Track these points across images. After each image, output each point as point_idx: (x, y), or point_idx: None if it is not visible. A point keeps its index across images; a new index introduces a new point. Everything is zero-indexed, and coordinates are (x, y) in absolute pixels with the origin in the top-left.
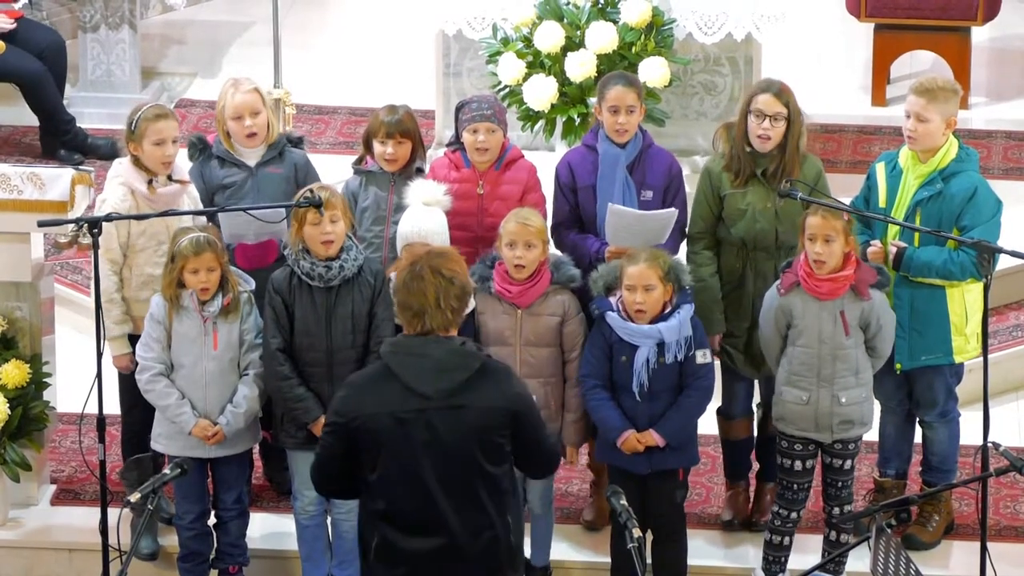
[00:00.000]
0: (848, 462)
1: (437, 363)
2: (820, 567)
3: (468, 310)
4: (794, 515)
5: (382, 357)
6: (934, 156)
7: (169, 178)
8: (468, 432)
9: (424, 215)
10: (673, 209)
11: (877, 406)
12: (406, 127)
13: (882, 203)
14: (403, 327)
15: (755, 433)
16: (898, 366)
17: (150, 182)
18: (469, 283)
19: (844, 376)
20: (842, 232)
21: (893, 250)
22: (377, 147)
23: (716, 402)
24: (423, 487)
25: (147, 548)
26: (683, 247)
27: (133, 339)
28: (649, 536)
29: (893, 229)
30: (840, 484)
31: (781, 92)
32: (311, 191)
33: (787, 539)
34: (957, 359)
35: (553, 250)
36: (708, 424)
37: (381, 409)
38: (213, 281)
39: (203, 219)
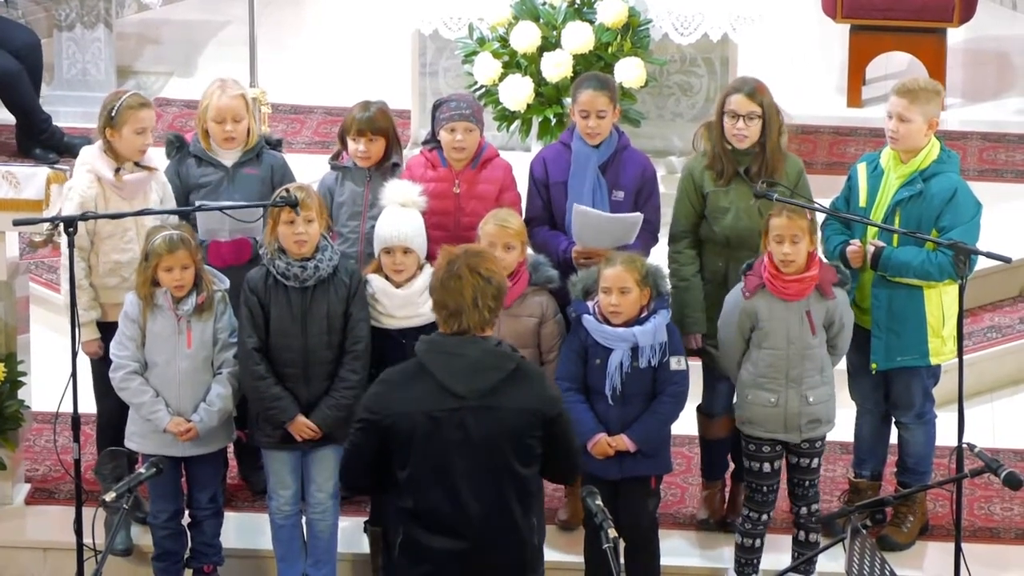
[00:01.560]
0: (815, 460)
1: (472, 363)
2: (792, 568)
3: None
4: (764, 517)
5: (416, 354)
6: (916, 156)
7: (137, 164)
8: (501, 433)
9: (402, 217)
10: (639, 214)
11: (841, 404)
12: (378, 124)
13: (863, 203)
14: (439, 325)
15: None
16: (874, 366)
17: (117, 170)
18: (505, 282)
19: (811, 375)
20: (807, 231)
21: (871, 249)
22: (350, 144)
23: (694, 401)
24: (453, 486)
25: (121, 544)
26: (656, 250)
27: (101, 325)
28: (621, 543)
29: (872, 228)
30: (807, 483)
31: (754, 92)
32: (287, 190)
33: (758, 541)
34: (933, 361)
35: (531, 251)
36: (683, 425)
37: (414, 407)
38: (187, 279)
39: (175, 219)
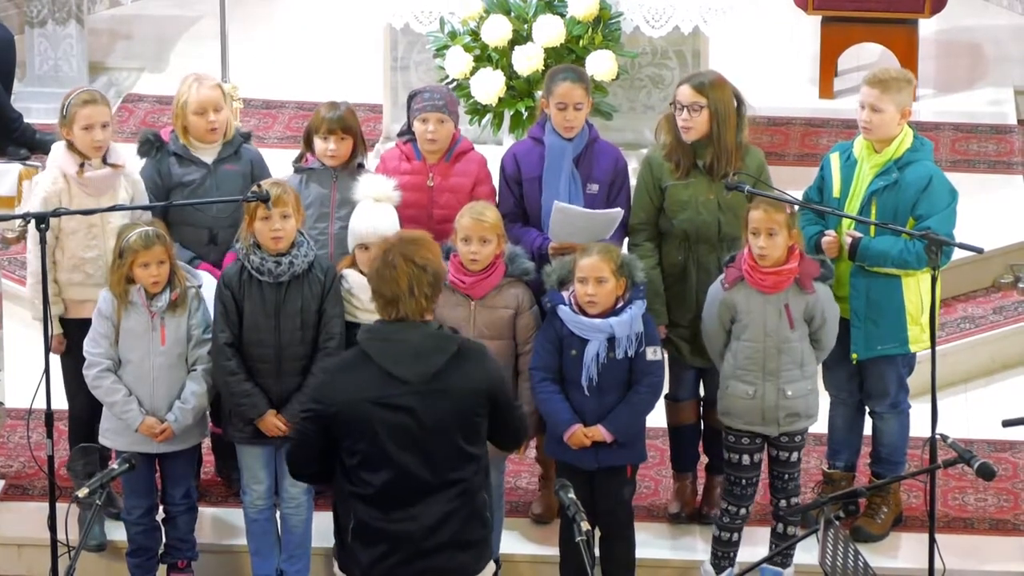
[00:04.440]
0: (794, 454)
1: (414, 348)
2: (767, 560)
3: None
4: (743, 511)
5: (359, 343)
6: (889, 146)
7: (104, 161)
8: (447, 415)
9: (376, 212)
10: (619, 209)
11: (824, 398)
12: (347, 123)
13: (837, 193)
14: (378, 313)
15: (701, 421)
16: (854, 356)
17: (81, 165)
18: (442, 268)
19: (789, 369)
20: (785, 225)
21: (848, 240)
22: (319, 143)
23: (665, 391)
24: (403, 469)
25: (95, 539)
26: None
27: (63, 321)
28: (597, 532)
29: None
30: (787, 476)
31: (702, 84)
32: (259, 186)
33: (736, 535)
34: (913, 348)
35: (508, 244)
36: (656, 418)
37: (360, 395)
38: (163, 275)
39: (147, 216)
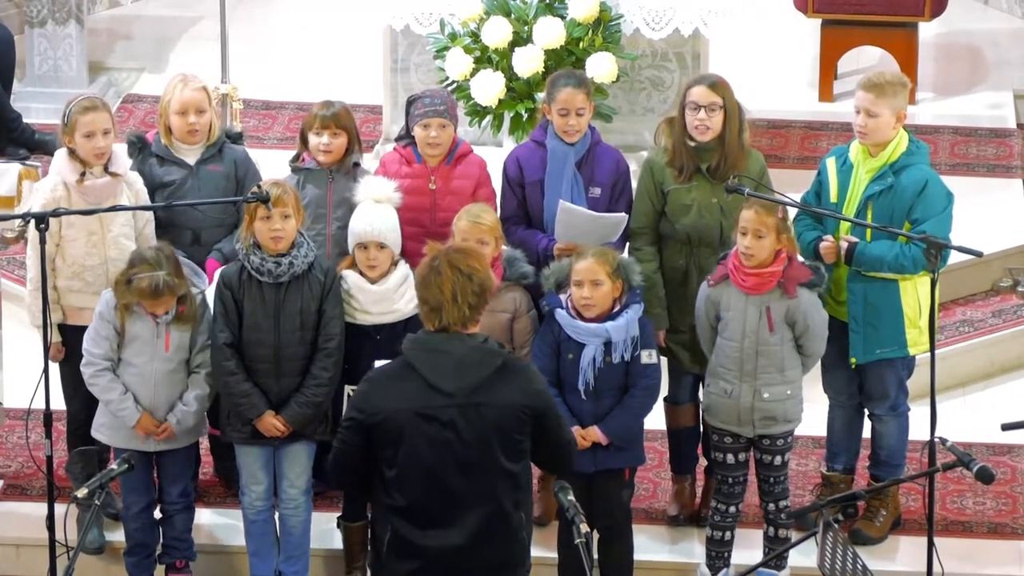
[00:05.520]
0: (777, 458)
1: (458, 360)
2: (763, 564)
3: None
4: (732, 509)
5: (403, 353)
6: (884, 150)
7: (106, 169)
8: (488, 429)
9: (376, 213)
10: (623, 214)
11: (809, 405)
12: (341, 120)
13: (833, 198)
14: (423, 322)
15: (700, 424)
16: (853, 360)
17: (82, 174)
18: (489, 280)
19: (767, 372)
20: (774, 229)
21: (844, 245)
22: (312, 139)
23: (663, 394)
24: (442, 483)
25: (93, 540)
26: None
27: (62, 328)
28: (595, 534)
29: (845, 224)
30: (772, 480)
31: (715, 84)
32: (259, 186)
33: (728, 534)
34: (912, 351)
35: (506, 247)
36: (655, 420)
37: (402, 405)
38: (169, 308)
39: (150, 224)
